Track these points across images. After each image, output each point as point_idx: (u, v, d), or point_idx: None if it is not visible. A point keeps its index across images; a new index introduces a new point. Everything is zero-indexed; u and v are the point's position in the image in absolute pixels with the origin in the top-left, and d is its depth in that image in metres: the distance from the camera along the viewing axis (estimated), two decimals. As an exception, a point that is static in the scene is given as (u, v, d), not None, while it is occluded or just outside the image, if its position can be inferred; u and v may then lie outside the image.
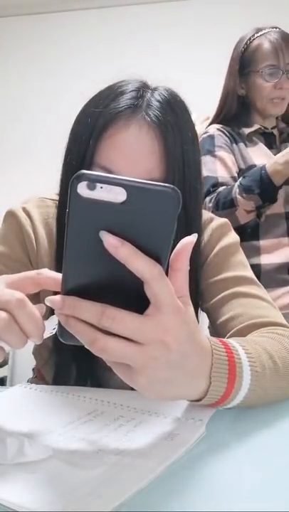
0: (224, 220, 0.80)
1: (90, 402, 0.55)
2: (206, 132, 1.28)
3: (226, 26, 2.88)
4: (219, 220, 0.79)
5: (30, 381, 0.83)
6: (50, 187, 0.73)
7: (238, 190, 1.12)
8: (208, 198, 1.18)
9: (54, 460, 0.38)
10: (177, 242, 0.38)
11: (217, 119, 1.31)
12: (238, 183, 1.14)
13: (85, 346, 0.37)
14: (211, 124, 1.32)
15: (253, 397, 0.48)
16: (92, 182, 0.32)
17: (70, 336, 0.38)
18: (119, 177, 0.33)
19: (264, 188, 1.09)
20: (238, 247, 0.77)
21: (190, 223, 0.66)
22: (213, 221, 0.78)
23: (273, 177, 1.09)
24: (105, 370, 0.65)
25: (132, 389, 0.40)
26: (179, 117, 0.64)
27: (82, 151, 0.63)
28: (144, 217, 0.33)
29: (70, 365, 0.67)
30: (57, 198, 0.72)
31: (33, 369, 0.87)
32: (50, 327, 0.41)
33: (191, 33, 2.93)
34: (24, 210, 0.74)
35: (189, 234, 0.38)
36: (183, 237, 0.38)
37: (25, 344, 0.40)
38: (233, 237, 0.79)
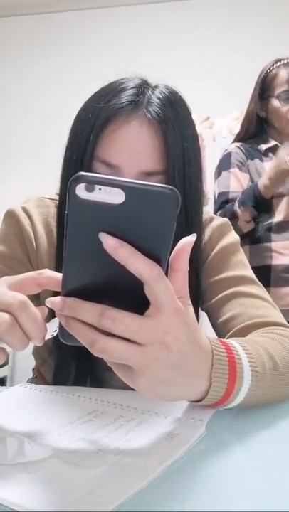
0: (224, 219, 0.80)
1: (90, 402, 0.55)
2: (226, 150, 1.48)
3: (226, 26, 2.88)
4: (219, 220, 0.79)
5: (30, 381, 0.83)
6: (51, 187, 0.73)
7: (237, 204, 1.34)
8: (218, 212, 1.38)
9: (54, 460, 0.38)
10: (177, 241, 0.37)
11: (239, 137, 1.51)
12: (237, 198, 1.35)
13: (86, 347, 0.37)
14: (233, 141, 1.51)
15: (253, 398, 0.48)
16: (91, 184, 0.32)
17: (71, 337, 0.38)
18: (117, 178, 0.32)
19: (257, 201, 1.30)
20: (238, 247, 0.77)
21: (190, 221, 0.65)
22: (214, 220, 0.78)
23: (263, 191, 1.30)
24: (105, 370, 0.65)
25: (133, 389, 0.40)
26: (179, 115, 0.64)
27: (82, 146, 0.63)
28: (143, 218, 0.33)
29: (69, 364, 0.67)
30: (56, 197, 0.72)
31: (33, 369, 0.87)
32: (52, 329, 0.41)
33: (191, 32, 2.94)
34: (24, 209, 0.74)
35: (190, 232, 0.38)
36: (183, 236, 0.38)
37: (26, 346, 0.40)
38: (233, 236, 0.78)
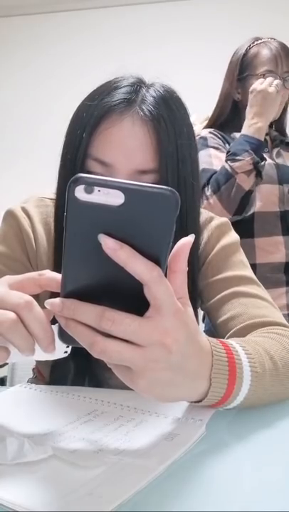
0: (224, 219, 0.80)
1: (89, 402, 0.55)
2: (198, 135, 1.31)
3: (227, 26, 2.88)
4: (219, 220, 0.79)
5: (30, 381, 0.83)
6: (51, 187, 0.73)
7: (229, 160, 1.18)
8: (206, 188, 1.21)
9: (54, 460, 0.38)
10: (175, 242, 0.37)
11: (211, 123, 1.38)
12: (225, 158, 1.20)
13: (85, 348, 0.37)
14: (205, 127, 1.38)
15: (253, 398, 0.48)
16: (90, 185, 0.32)
17: (70, 338, 0.38)
18: (116, 180, 0.32)
19: (253, 146, 1.16)
20: (238, 247, 0.77)
21: (185, 221, 0.65)
22: (213, 220, 0.78)
23: (254, 133, 1.17)
24: (104, 369, 0.65)
25: (132, 388, 0.40)
26: (173, 113, 0.64)
27: (76, 144, 0.63)
28: (142, 219, 0.33)
29: (67, 363, 0.67)
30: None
31: (33, 369, 0.87)
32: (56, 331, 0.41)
33: (191, 32, 2.93)
34: (23, 209, 0.74)
35: (186, 232, 0.38)
36: (179, 234, 0.38)
37: (31, 347, 0.40)
38: (233, 236, 0.78)
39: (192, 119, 0.68)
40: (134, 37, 2.96)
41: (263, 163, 1.19)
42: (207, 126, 1.37)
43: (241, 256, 0.77)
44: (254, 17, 2.85)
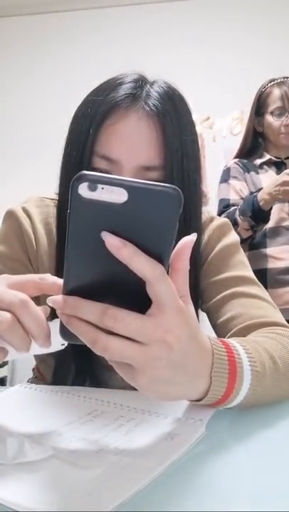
0: (225, 219, 0.80)
1: (90, 402, 0.55)
2: (226, 165, 1.63)
3: (226, 26, 2.88)
4: (220, 220, 0.79)
5: (30, 381, 0.83)
6: (52, 187, 0.73)
7: (237, 212, 1.44)
8: (221, 216, 1.46)
9: (54, 460, 0.38)
10: (178, 238, 0.37)
11: (238, 154, 1.66)
12: (238, 207, 1.45)
13: (87, 346, 0.37)
14: (234, 158, 1.66)
15: (253, 397, 0.48)
16: (93, 183, 0.32)
17: (72, 336, 0.38)
18: (120, 178, 0.32)
19: (255, 211, 1.40)
20: (238, 247, 0.77)
21: (189, 217, 0.65)
22: (214, 221, 0.78)
23: (261, 204, 1.39)
24: (104, 369, 0.65)
25: (132, 389, 0.40)
26: (177, 109, 0.64)
27: (82, 141, 0.63)
28: (145, 217, 0.33)
29: (68, 364, 0.67)
30: (56, 197, 0.72)
31: (33, 369, 0.87)
32: (55, 328, 0.41)
33: (191, 33, 2.94)
34: (24, 209, 0.74)
35: (188, 229, 0.38)
36: (182, 231, 0.38)
37: (28, 346, 0.40)
38: (233, 236, 0.78)
39: (192, 118, 0.69)
40: (134, 36, 2.97)
41: (260, 227, 1.44)
42: (235, 157, 1.65)
43: (241, 256, 0.76)
44: (255, 16, 2.86)
